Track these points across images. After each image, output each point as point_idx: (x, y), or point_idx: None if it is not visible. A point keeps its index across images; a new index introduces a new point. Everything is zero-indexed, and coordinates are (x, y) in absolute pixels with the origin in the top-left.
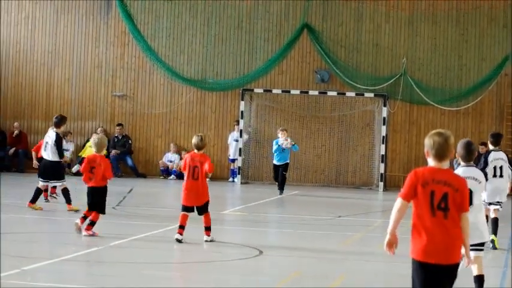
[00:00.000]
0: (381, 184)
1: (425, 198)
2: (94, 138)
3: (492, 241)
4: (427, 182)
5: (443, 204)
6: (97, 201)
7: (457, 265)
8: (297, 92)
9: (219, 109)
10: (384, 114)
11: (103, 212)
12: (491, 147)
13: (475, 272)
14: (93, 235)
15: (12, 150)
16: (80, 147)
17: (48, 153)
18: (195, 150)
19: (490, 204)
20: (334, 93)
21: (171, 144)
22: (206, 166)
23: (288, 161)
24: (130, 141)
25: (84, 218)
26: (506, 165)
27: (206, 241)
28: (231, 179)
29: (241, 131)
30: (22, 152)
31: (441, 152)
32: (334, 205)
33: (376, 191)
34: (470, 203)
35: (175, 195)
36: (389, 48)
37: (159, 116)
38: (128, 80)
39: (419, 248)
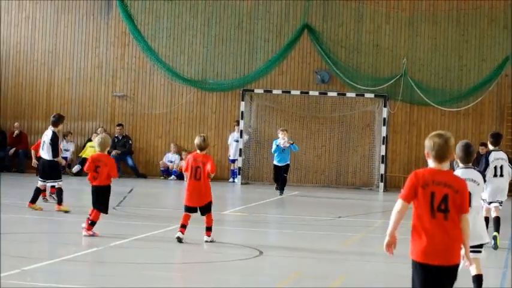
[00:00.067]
0: (381, 185)
1: (426, 199)
2: (98, 138)
3: (494, 237)
4: (427, 183)
5: (444, 206)
6: (101, 200)
7: (457, 266)
8: (297, 92)
9: (220, 109)
10: (384, 114)
11: (106, 212)
12: (491, 147)
13: (474, 272)
14: (93, 235)
15: (12, 151)
16: (80, 148)
17: (45, 152)
18: (198, 151)
19: (490, 203)
20: (335, 94)
21: (171, 145)
22: (208, 166)
23: (289, 162)
24: (130, 142)
25: (93, 224)
26: (506, 165)
27: (206, 241)
28: (231, 180)
29: (241, 132)
30: (22, 152)
31: (441, 154)
32: (334, 206)
33: (376, 191)
34: (469, 204)
35: (175, 195)
36: (390, 49)
37: (160, 116)
38: (128, 80)
39: (420, 249)
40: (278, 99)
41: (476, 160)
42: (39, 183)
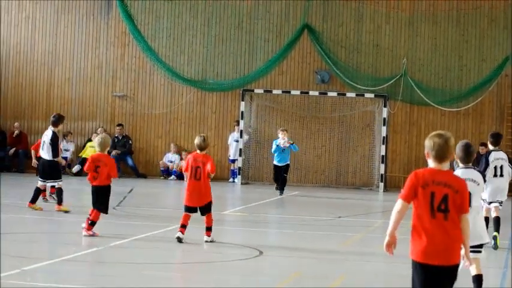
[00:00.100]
0: (381, 185)
1: (426, 199)
2: (98, 138)
3: (494, 237)
4: (427, 183)
5: (444, 206)
6: (101, 200)
7: (457, 266)
8: (297, 92)
9: (219, 109)
10: (384, 114)
11: (106, 212)
12: (491, 147)
13: (474, 272)
14: (93, 235)
15: (12, 151)
16: (80, 148)
17: (45, 152)
18: (198, 151)
19: (490, 203)
20: (335, 94)
21: (171, 145)
22: (208, 166)
23: (289, 162)
24: (130, 142)
25: (93, 224)
26: (506, 164)
27: (206, 241)
28: (231, 180)
29: (241, 132)
30: (22, 152)
31: (441, 154)
32: (334, 206)
33: (376, 191)
34: (469, 204)
35: (175, 195)
36: (390, 49)
37: (160, 116)
38: (128, 80)
39: (420, 249)
40: (278, 99)
41: (476, 160)
42: (39, 183)
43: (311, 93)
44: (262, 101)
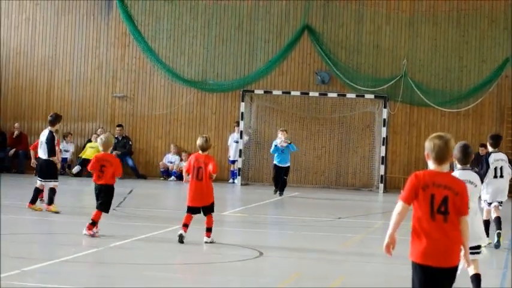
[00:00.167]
0: (381, 186)
1: (426, 201)
2: (101, 138)
3: (498, 234)
4: (427, 185)
5: (443, 208)
6: (104, 199)
7: (456, 268)
8: (298, 93)
9: (220, 110)
10: (384, 115)
11: (107, 211)
12: (490, 149)
13: (472, 272)
14: (93, 235)
15: (12, 151)
16: (80, 148)
17: (42, 151)
18: (200, 151)
19: (490, 203)
20: (335, 95)
21: (171, 146)
22: (210, 167)
23: (289, 164)
24: (130, 142)
25: (93, 224)
26: (506, 165)
27: (206, 242)
28: (231, 181)
29: (241, 132)
30: (22, 153)
31: (441, 155)
32: (334, 207)
33: (376, 192)
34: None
35: (175, 196)
36: (390, 50)
37: (160, 117)
38: (128, 81)
39: (419, 251)
40: (278, 100)
41: (476, 161)
42: (38, 183)
43: (311, 94)
44: (262, 101)
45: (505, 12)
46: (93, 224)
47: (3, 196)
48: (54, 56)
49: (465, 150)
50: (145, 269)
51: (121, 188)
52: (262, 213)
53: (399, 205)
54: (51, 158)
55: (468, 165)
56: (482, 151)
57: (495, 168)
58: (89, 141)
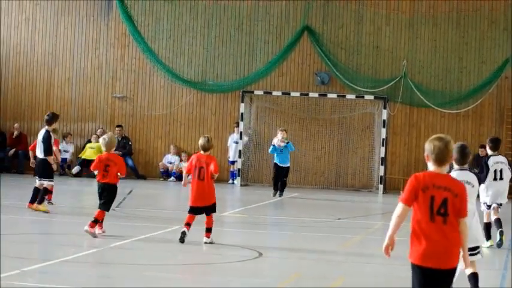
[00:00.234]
0: (381, 187)
1: (425, 203)
2: (104, 138)
3: (501, 233)
4: (427, 186)
5: (443, 210)
6: (107, 198)
7: (455, 269)
8: (297, 94)
9: (219, 111)
10: (384, 116)
11: (107, 210)
12: (490, 152)
13: (469, 271)
14: (94, 234)
15: (12, 152)
16: (80, 149)
17: (39, 150)
18: (202, 151)
19: (489, 206)
20: (334, 96)
21: (171, 146)
22: (212, 167)
23: (289, 165)
24: (130, 143)
25: (95, 222)
26: (506, 168)
27: (205, 243)
28: (230, 181)
29: (241, 133)
30: (22, 153)
31: (441, 157)
32: (334, 207)
33: (376, 193)
34: None
35: (175, 197)
36: (390, 51)
37: (159, 117)
38: (128, 81)
39: (418, 252)
40: (278, 100)
41: (476, 162)
42: (37, 183)
43: (311, 94)
44: (262, 102)
45: (504, 13)
46: (96, 222)
47: (3, 196)
48: (54, 56)
49: (462, 150)
50: (145, 269)
51: (121, 188)
52: (261, 214)
53: (399, 207)
54: (46, 157)
55: (465, 166)
56: (482, 152)
57: (495, 171)
58: (89, 141)
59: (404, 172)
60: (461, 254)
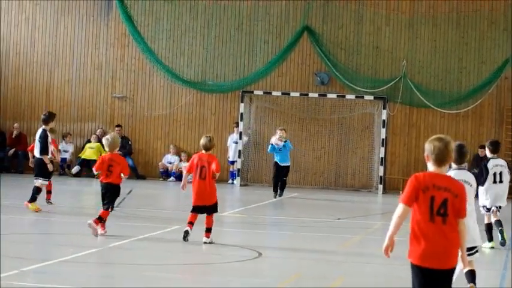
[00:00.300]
0: (380, 187)
1: (425, 203)
2: (107, 138)
3: (501, 232)
4: (427, 187)
5: (443, 210)
6: (110, 198)
7: (454, 269)
8: (297, 94)
9: (219, 111)
10: (384, 116)
11: (111, 210)
12: (489, 154)
13: (467, 269)
14: (95, 230)
15: (11, 151)
16: (80, 149)
17: (36, 150)
18: (203, 151)
19: (489, 210)
20: (334, 96)
21: (170, 146)
22: (213, 166)
23: (289, 164)
24: (130, 142)
25: (100, 219)
26: (505, 171)
27: (205, 243)
28: (230, 181)
29: (240, 133)
30: (21, 153)
31: (441, 157)
32: (334, 207)
33: (376, 193)
34: None
35: (174, 197)
36: (389, 51)
37: (159, 117)
38: (127, 81)
39: (418, 252)
40: (277, 100)
41: (476, 163)
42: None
43: (310, 95)
44: (262, 102)
45: (504, 13)
46: (100, 219)
47: (3, 196)
48: (54, 55)
49: (460, 150)
50: (145, 269)
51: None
52: (261, 214)
53: (400, 207)
54: (42, 156)
55: (463, 165)
56: (481, 153)
57: (494, 174)
58: (88, 141)
59: (403, 172)
60: (460, 254)
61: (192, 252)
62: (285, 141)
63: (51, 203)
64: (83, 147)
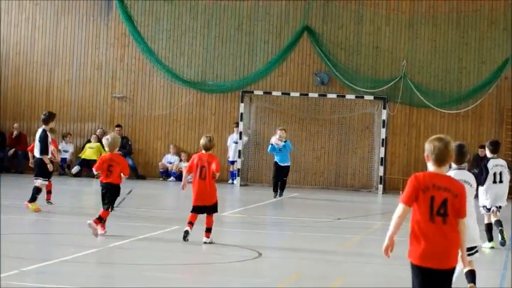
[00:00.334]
0: (380, 187)
1: (425, 203)
2: (107, 138)
3: (501, 231)
4: (427, 187)
5: (443, 210)
6: (110, 198)
7: (454, 269)
8: (297, 94)
9: (219, 111)
10: (384, 116)
11: (111, 210)
12: (489, 154)
13: (467, 269)
14: (95, 230)
15: (11, 151)
16: (80, 149)
17: (36, 150)
18: (203, 151)
19: (489, 210)
20: (334, 96)
21: (170, 146)
22: (213, 166)
23: (289, 164)
24: (130, 142)
25: (100, 219)
26: (505, 171)
27: (205, 243)
28: (230, 181)
29: (240, 133)
30: (21, 153)
31: (441, 157)
32: (334, 207)
33: (376, 193)
34: None
35: (174, 196)
36: (389, 51)
37: (159, 118)
38: (127, 81)
39: (418, 252)
40: (277, 100)
41: (476, 163)
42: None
43: (310, 95)
44: (262, 102)
45: (504, 13)
46: (100, 219)
47: (3, 196)
48: (54, 55)
49: (460, 149)
50: (145, 269)
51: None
52: (261, 214)
53: (400, 208)
54: (42, 156)
55: (463, 165)
56: (481, 152)
57: (494, 174)
58: (88, 141)
59: (403, 172)
60: (460, 254)
61: (192, 252)
62: (285, 141)
63: (51, 203)
64: (83, 147)
